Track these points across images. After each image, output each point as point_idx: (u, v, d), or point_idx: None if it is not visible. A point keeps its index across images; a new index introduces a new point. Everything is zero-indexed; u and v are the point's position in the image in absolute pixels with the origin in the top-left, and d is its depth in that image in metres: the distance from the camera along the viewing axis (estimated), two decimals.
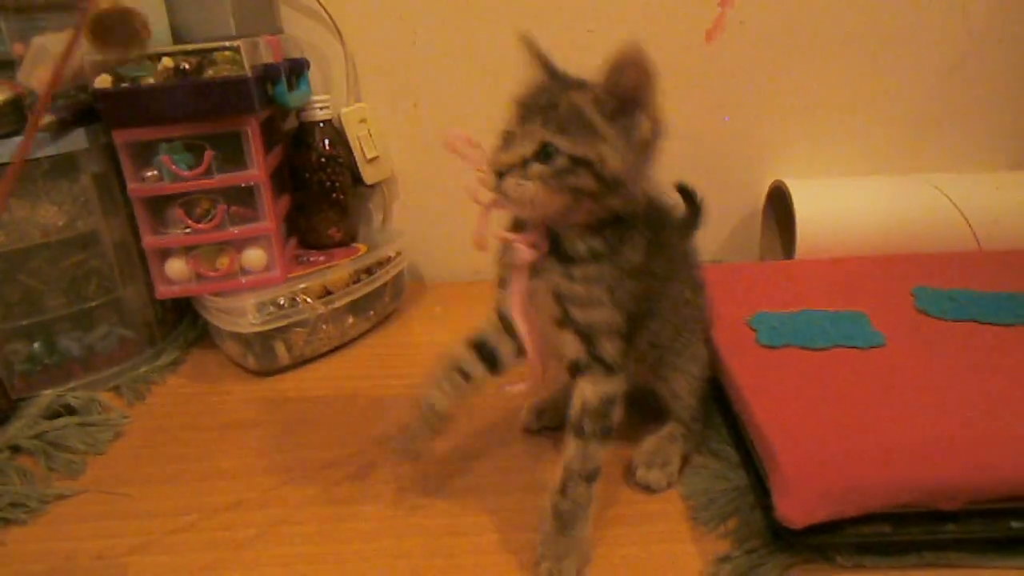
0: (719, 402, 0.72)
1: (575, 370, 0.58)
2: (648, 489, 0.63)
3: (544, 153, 0.52)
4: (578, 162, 0.51)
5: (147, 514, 0.64)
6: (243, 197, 0.86)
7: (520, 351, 0.61)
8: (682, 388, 0.67)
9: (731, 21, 0.98)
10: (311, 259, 0.96)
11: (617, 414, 0.57)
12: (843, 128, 1.02)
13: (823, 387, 0.63)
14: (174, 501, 0.66)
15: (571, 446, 0.56)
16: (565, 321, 0.56)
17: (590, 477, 0.56)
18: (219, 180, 0.83)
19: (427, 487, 0.65)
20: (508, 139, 0.54)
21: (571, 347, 0.57)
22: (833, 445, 0.55)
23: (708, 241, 1.09)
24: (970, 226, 0.93)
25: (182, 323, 0.98)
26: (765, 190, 1.04)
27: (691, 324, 0.67)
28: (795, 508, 0.52)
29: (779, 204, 1.02)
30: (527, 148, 0.52)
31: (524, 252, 0.55)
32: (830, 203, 0.96)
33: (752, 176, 1.05)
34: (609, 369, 0.56)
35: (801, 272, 0.88)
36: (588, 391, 0.56)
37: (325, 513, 0.63)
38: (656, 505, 0.62)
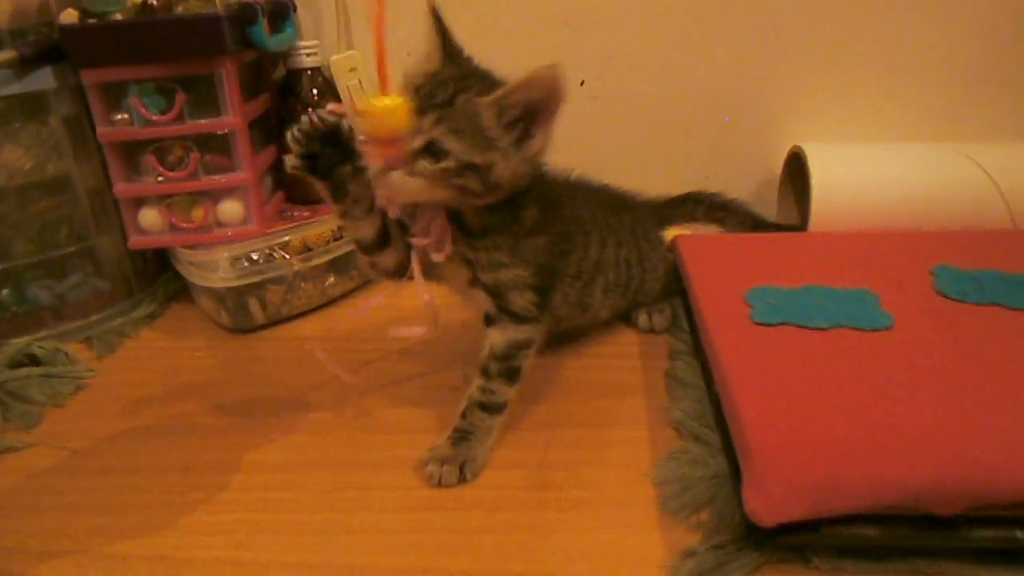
0: (707, 385, 0.66)
1: (487, 321, 0.64)
2: (652, 331, 0.80)
3: (431, 150, 0.53)
4: (466, 167, 0.53)
5: (93, 471, 0.62)
6: (219, 145, 0.81)
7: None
8: (655, 290, 0.82)
9: None
10: (295, 214, 0.92)
11: (527, 358, 0.63)
12: (868, 90, 0.94)
13: (815, 370, 0.57)
14: (123, 459, 0.63)
15: (476, 382, 0.62)
16: (475, 281, 0.62)
17: (487, 407, 0.61)
18: (192, 126, 0.79)
19: (379, 458, 0.62)
20: None
21: (482, 302, 0.63)
22: (815, 434, 0.49)
23: None
24: (1005, 201, 0.85)
25: (163, 276, 0.95)
26: (783, 156, 0.97)
27: (648, 250, 0.80)
28: (765, 503, 0.46)
29: (797, 171, 0.95)
30: (416, 142, 0.53)
31: (434, 256, 0.59)
32: (851, 171, 0.89)
33: (769, 141, 0.98)
34: (519, 319, 0.62)
35: (811, 245, 0.81)
36: (496, 338, 0.62)
37: (275, 480, 0.60)
38: (625, 490, 0.57)
